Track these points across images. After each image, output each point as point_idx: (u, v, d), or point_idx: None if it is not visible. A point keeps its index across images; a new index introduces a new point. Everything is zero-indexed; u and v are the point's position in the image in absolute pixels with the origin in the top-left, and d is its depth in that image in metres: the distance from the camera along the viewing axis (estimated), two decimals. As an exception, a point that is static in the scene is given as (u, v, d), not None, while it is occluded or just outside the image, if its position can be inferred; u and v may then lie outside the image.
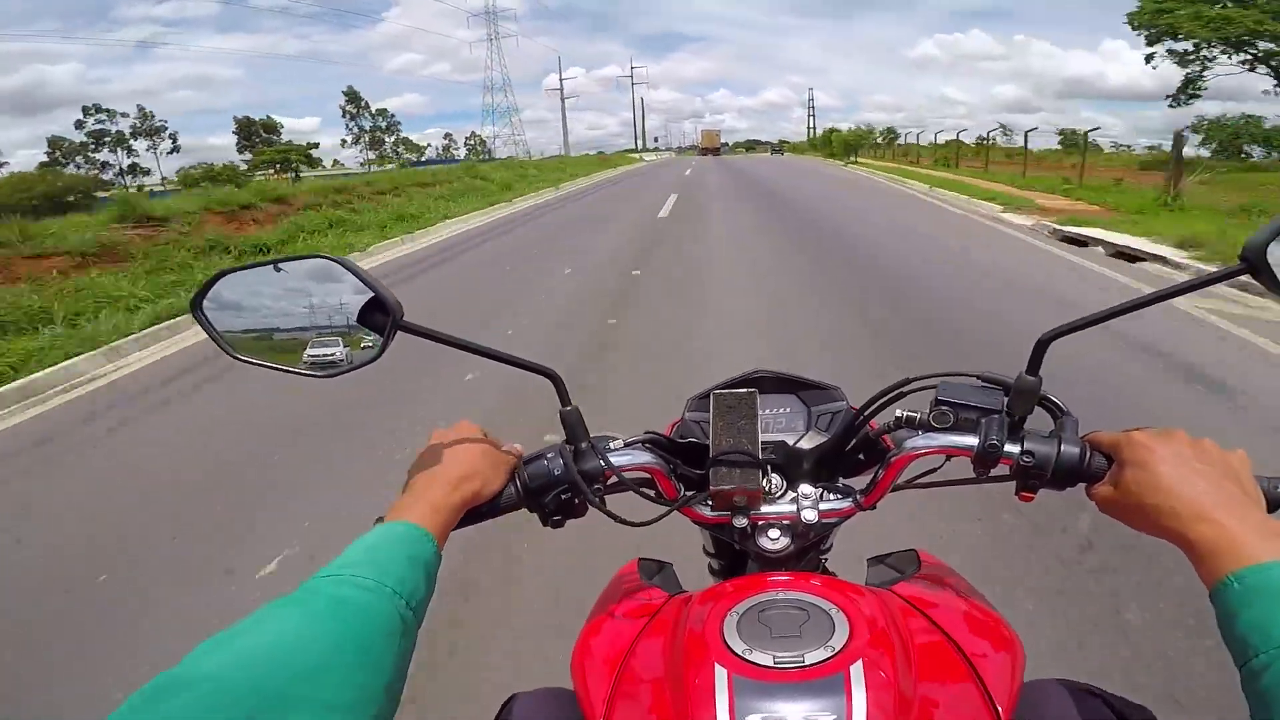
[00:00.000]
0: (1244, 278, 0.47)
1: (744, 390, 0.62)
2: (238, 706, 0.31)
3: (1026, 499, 0.55)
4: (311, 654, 0.35)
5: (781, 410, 0.67)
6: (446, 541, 0.55)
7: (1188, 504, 0.44)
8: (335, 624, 0.38)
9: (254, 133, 58.85)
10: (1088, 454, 0.52)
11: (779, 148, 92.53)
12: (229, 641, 0.35)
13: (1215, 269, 0.49)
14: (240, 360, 0.57)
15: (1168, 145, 10.50)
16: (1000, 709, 0.46)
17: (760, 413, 0.63)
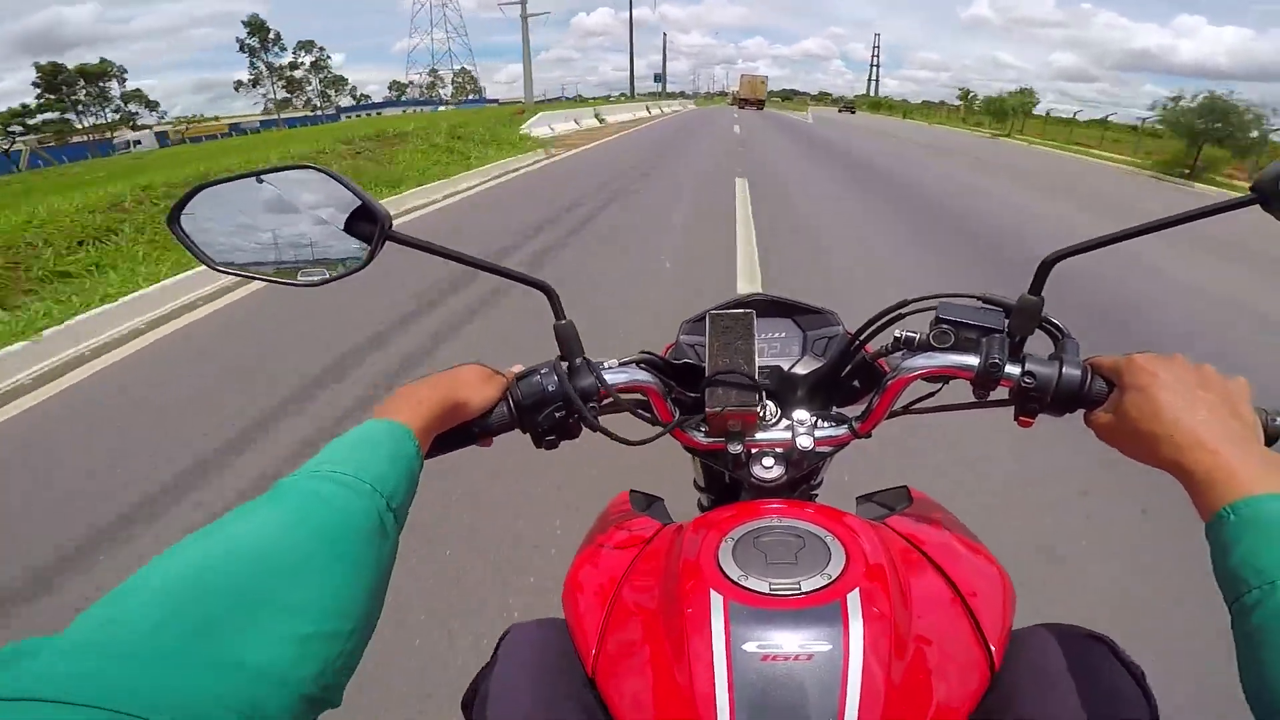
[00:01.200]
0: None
1: (740, 311, 0.60)
2: (195, 607, 0.29)
3: (1025, 424, 0.54)
4: (283, 552, 0.34)
5: (777, 335, 0.66)
6: (435, 456, 0.53)
7: (1186, 433, 0.43)
8: (310, 520, 0.36)
9: (64, 81, 47.06)
10: (1088, 377, 0.51)
11: (850, 105, 78.84)
12: (193, 543, 0.33)
13: (1229, 198, 0.50)
14: (220, 270, 0.55)
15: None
16: (993, 648, 0.45)
17: (757, 337, 0.61)
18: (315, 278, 0.54)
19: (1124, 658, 0.48)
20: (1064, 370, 0.51)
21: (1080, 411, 0.53)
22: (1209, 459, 0.41)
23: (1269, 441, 0.48)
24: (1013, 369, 0.52)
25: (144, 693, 0.25)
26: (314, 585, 0.33)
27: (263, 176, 0.57)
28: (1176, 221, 0.47)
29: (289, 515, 0.36)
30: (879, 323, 0.60)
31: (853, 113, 69.40)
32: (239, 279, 0.60)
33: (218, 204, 0.58)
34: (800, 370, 0.63)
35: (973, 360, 0.53)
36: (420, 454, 0.46)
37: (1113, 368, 0.51)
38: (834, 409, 0.63)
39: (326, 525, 0.36)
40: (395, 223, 0.53)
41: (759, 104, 64.18)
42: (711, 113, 43.19)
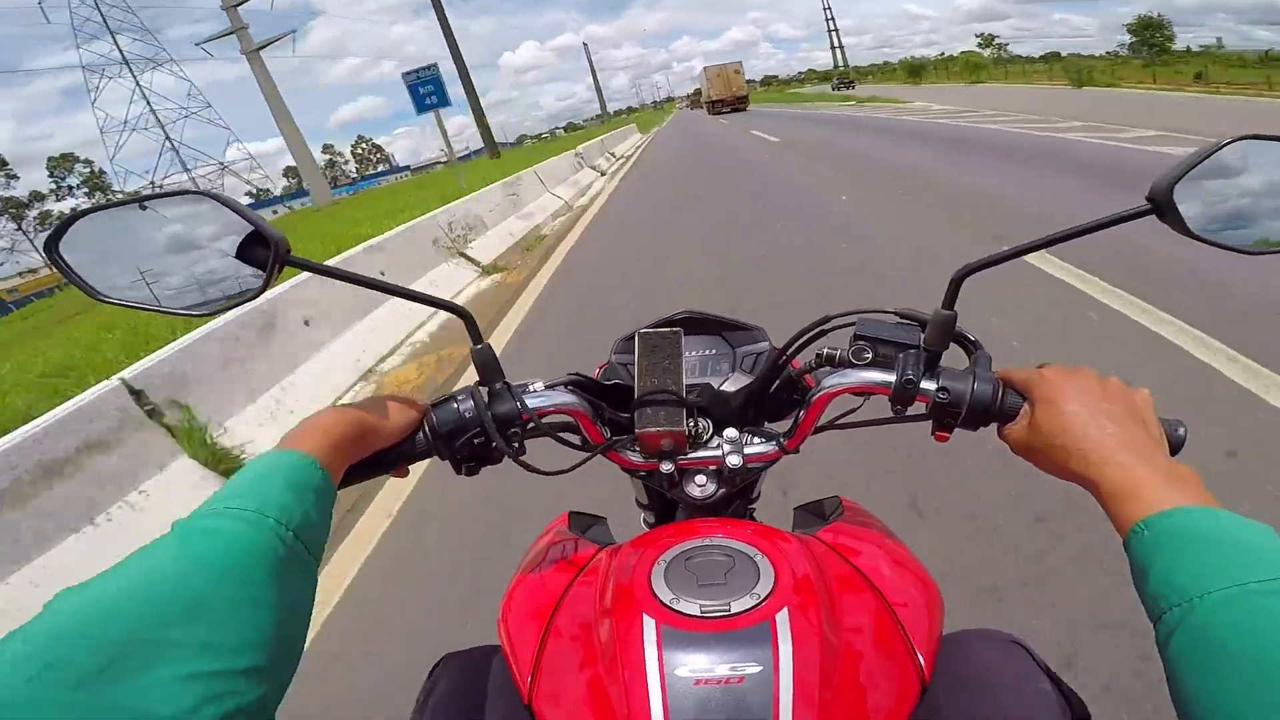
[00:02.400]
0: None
1: (668, 330, 0.61)
2: (79, 655, 0.28)
3: (942, 439, 0.55)
4: (183, 592, 0.33)
5: (708, 352, 0.67)
6: (349, 486, 0.52)
7: (1095, 446, 0.43)
8: (207, 558, 0.35)
9: None
10: (1000, 391, 0.52)
11: (847, 80, 65.84)
12: (87, 587, 0.33)
13: (1123, 210, 0.53)
14: (105, 301, 0.53)
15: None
16: (922, 658, 0.46)
17: (686, 354, 0.62)
18: (207, 307, 0.52)
19: (1038, 660, 0.50)
20: (976, 385, 0.52)
21: (994, 426, 0.53)
22: (1118, 473, 0.41)
23: (1173, 450, 0.48)
24: (928, 384, 0.53)
25: None
26: (216, 623, 0.32)
27: (146, 203, 0.54)
28: (1080, 232, 0.48)
29: (183, 555, 0.35)
30: (802, 339, 0.61)
31: (851, 87, 61.24)
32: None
33: (100, 232, 0.55)
34: (730, 387, 0.64)
35: (889, 377, 0.54)
36: (329, 482, 0.45)
37: (1023, 381, 0.51)
38: (765, 424, 0.64)
39: (225, 562, 0.35)
40: None
41: (738, 103, 52.96)
42: (683, 141, 23.44)
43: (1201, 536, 0.36)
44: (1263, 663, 0.30)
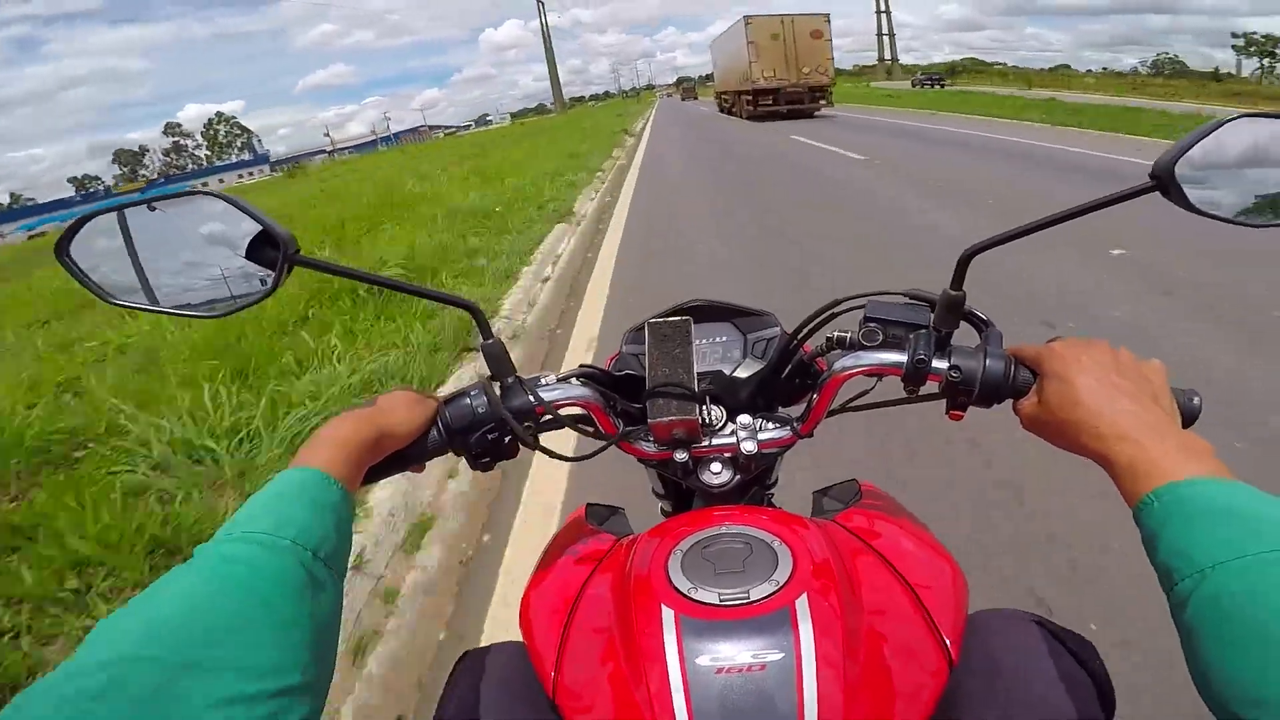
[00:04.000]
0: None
1: (678, 319, 0.61)
2: (141, 682, 0.29)
3: (956, 417, 0.55)
4: (213, 618, 0.33)
5: (718, 339, 0.67)
6: (368, 485, 0.52)
7: (1108, 421, 0.43)
8: (231, 585, 0.36)
9: None
10: (1012, 367, 0.52)
11: (935, 77, 47.91)
12: (125, 619, 0.33)
13: (1127, 188, 0.53)
14: (115, 304, 0.53)
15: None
16: (948, 641, 0.45)
17: (697, 342, 0.62)
18: (219, 309, 0.53)
19: (1061, 638, 0.49)
20: (988, 362, 0.52)
21: (1009, 402, 0.53)
22: (1130, 447, 0.41)
23: (1187, 423, 0.48)
24: (939, 364, 0.53)
25: None
26: (246, 646, 0.33)
27: (154, 204, 0.55)
28: (1086, 210, 0.48)
29: (208, 583, 0.36)
30: (813, 323, 0.61)
31: (941, 85, 44.20)
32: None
33: (110, 234, 0.56)
34: (742, 374, 0.63)
35: (901, 357, 0.54)
36: (347, 497, 0.45)
37: (1034, 357, 0.51)
38: (778, 409, 0.64)
39: (247, 586, 0.36)
40: None
41: (809, 99, 21.40)
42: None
43: (1213, 507, 0.36)
44: (1273, 631, 0.30)
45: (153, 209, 0.55)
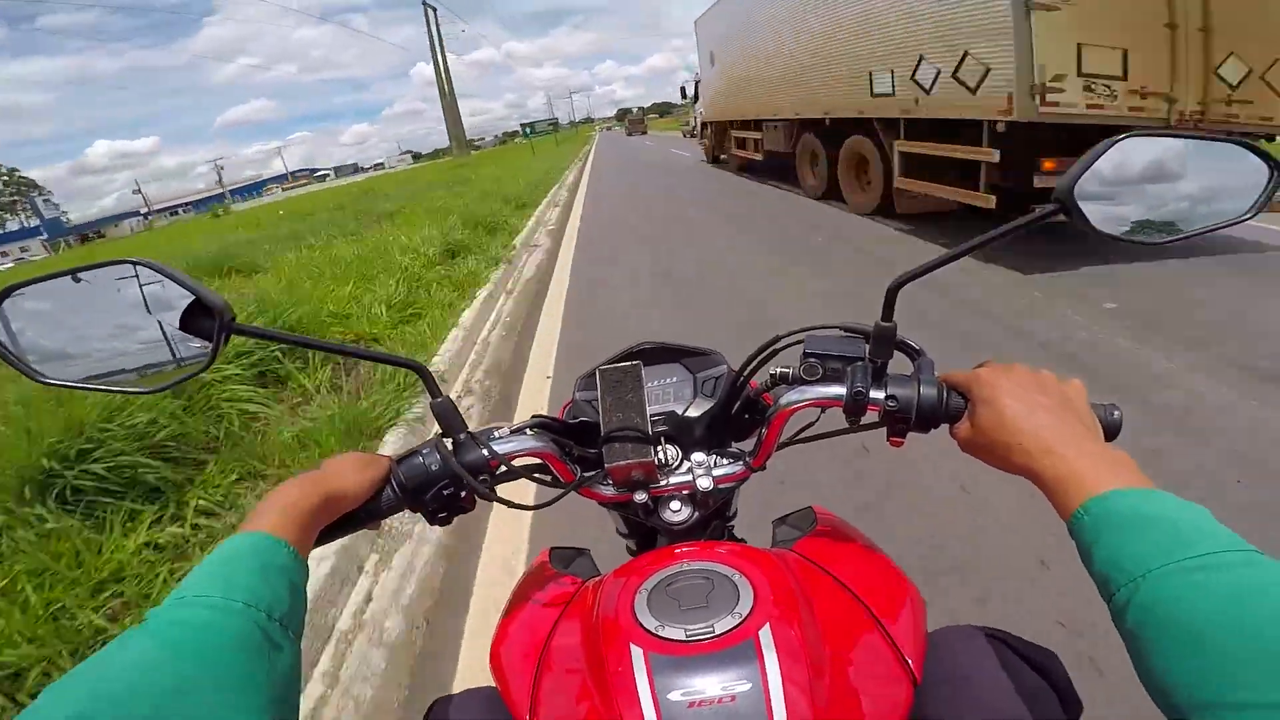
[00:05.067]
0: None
1: (628, 364, 0.62)
2: None
3: (896, 444, 0.57)
4: (165, 681, 0.34)
5: (669, 380, 0.68)
6: (323, 545, 0.52)
7: (1033, 439, 0.45)
8: (182, 650, 0.36)
9: None
10: (944, 394, 0.54)
11: None
12: (72, 684, 0.33)
13: (1036, 212, 0.54)
14: (48, 383, 0.51)
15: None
16: (910, 661, 0.47)
17: (648, 384, 0.63)
18: (155, 384, 0.52)
19: (1020, 650, 0.52)
20: (921, 390, 0.54)
21: (945, 426, 0.55)
22: (1057, 462, 0.43)
23: (1109, 436, 0.50)
24: (877, 394, 0.54)
25: None
26: (208, 705, 0.34)
27: (80, 275, 0.53)
28: (1001, 236, 0.50)
29: (160, 648, 0.36)
30: (756, 360, 0.63)
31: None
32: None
33: (35, 309, 0.54)
34: (694, 412, 0.65)
35: (841, 390, 0.55)
36: (299, 559, 0.45)
37: (964, 382, 0.53)
38: (731, 444, 0.65)
39: (201, 651, 0.36)
40: None
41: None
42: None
43: (1138, 517, 0.38)
44: (1201, 633, 0.31)
45: (77, 280, 0.53)
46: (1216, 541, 0.35)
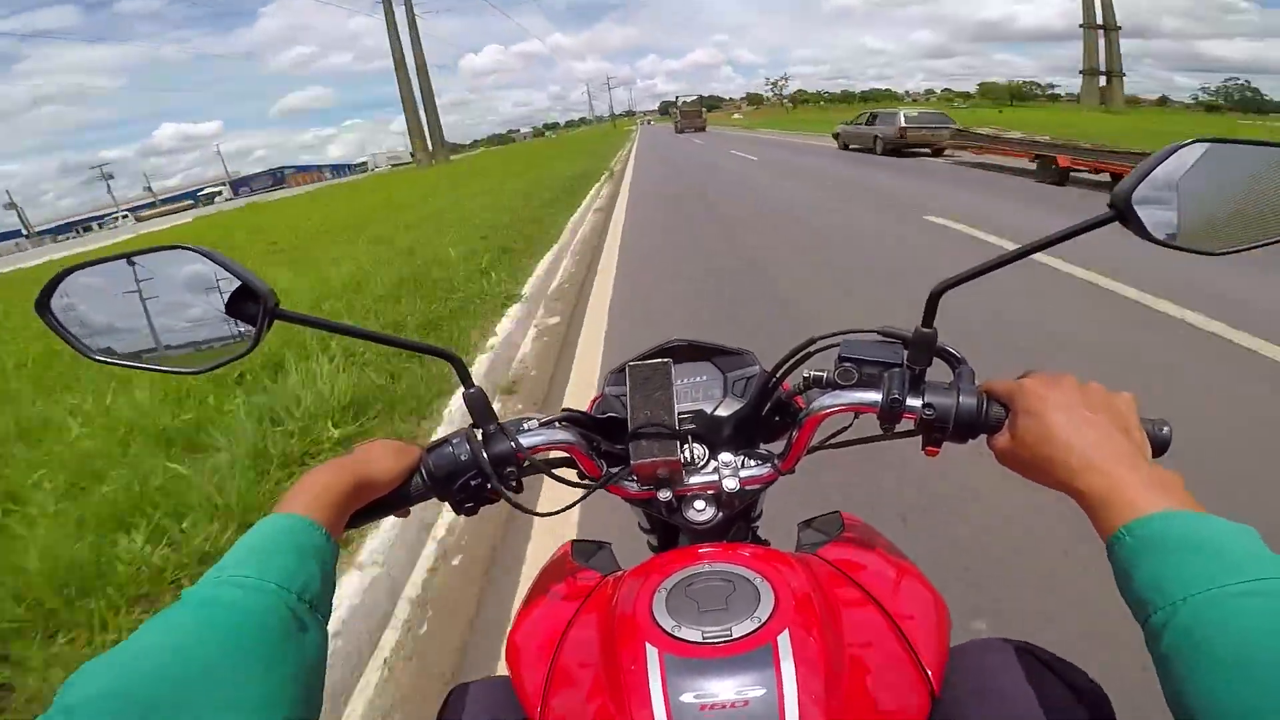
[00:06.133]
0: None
1: (658, 361, 0.62)
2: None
3: (932, 453, 0.55)
4: (197, 658, 0.34)
5: (698, 379, 0.68)
6: (354, 528, 0.53)
7: (1078, 455, 0.44)
8: (216, 628, 0.36)
9: None
10: (984, 404, 0.52)
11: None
12: (108, 660, 0.34)
13: (1090, 218, 0.52)
14: (95, 359, 0.53)
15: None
16: (929, 672, 0.46)
17: (678, 382, 0.63)
18: (199, 365, 0.53)
19: (1048, 662, 0.49)
20: (961, 400, 0.52)
21: (983, 437, 0.53)
22: (1101, 481, 0.42)
23: (1157, 452, 0.49)
24: (914, 401, 0.53)
25: None
26: (233, 686, 0.34)
27: (134, 259, 0.55)
28: (1052, 242, 0.48)
29: (194, 626, 0.37)
30: (790, 362, 0.62)
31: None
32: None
33: (90, 289, 0.56)
34: (723, 412, 0.64)
35: (876, 396, 0.54)
36: (330, 541, 0.46)
37: (1006, 393, 0.51)
38: (759, 446, 0.64)
39: (234, 630, 0.37)
40: None
41: None
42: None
43: (1183, 540, 0.36)
44: (1245, 662, 0.30)
45: (132, 263, 0.55)
46: (1265, 567, 0.33)
